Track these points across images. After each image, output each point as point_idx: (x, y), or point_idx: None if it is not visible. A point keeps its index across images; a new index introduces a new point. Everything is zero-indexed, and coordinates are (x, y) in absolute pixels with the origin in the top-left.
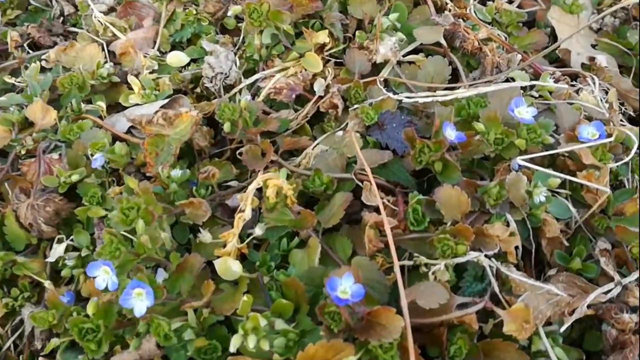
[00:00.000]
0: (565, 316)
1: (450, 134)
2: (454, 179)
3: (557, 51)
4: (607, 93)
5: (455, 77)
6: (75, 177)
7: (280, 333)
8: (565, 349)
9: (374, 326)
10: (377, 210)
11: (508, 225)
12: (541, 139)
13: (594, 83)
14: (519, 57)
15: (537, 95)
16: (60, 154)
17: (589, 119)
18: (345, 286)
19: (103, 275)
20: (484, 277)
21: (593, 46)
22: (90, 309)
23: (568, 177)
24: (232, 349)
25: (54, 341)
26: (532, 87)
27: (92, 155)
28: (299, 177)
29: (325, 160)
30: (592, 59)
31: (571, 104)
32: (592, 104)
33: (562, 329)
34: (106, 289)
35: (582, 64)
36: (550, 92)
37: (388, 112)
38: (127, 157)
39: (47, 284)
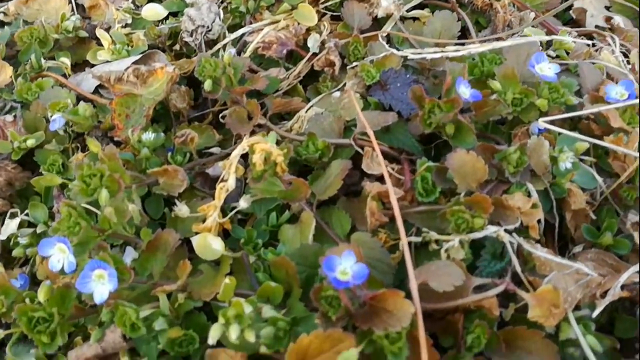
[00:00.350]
0: (596, 299)
1: (464, 91)
2: (468, 144)
3: (571, 12)
4: (625, 56)
5: (463, 36)
6: (31, 142)
7: (268, 321)
8: (598, 336)
9: (379, 313)
10: (378, 179)
11: (529, 196)
12: (564, 100)
13: (615, 43)
14: (532, 15)
15: (554, 55)
16: (15, 116)
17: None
18: (345, 266)
19: (58, 255)
20: (504, 254)
21: (607, 8)
22: (42, 295)
23: (596, 142)
24: (210, 341)
25: None
26: (548, 46)
27: (52, 117)
28: (291, 142)
29: (321, 124)
30: (608, 18)
31: (592, 64)
32: (614, 65)
33: (595, 314)
34: (62, 271)
35: (597, 26)
36: (567, 53)
37: (392, 70)
38: (93, 119)
39: None
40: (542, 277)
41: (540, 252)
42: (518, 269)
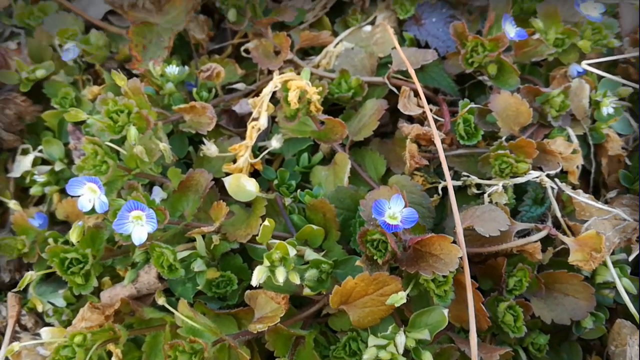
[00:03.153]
0: (632, 243)
1: (510, 29)
2: (511, 85)
3: None
4: None
5: None
6: (41, 73)
7: (310, 264)
8: (632, 279)
9: (424, 257)
10: (412, 121)
11: (569, 140)
12: (607, 42)
13: None
14: None
15: None
16: (19, 43)
17: None
18: (394, 210)
19: (89, 195)
20: (544, 200)
21: None
22: (74, 236)
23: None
24: (254, 283)
25: (30, 275)
26: None
27: (60, 46)
28: (319, 80)
29: (351, 61)
30: None
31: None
32: None
33: (631, 258)
34: (92, 211)
35: None
36: None
37: (427, 4)
38: (106, 49)
39: (13, 204)
40: (581, 222)
41: (582, 198)
42: (558, 214)
